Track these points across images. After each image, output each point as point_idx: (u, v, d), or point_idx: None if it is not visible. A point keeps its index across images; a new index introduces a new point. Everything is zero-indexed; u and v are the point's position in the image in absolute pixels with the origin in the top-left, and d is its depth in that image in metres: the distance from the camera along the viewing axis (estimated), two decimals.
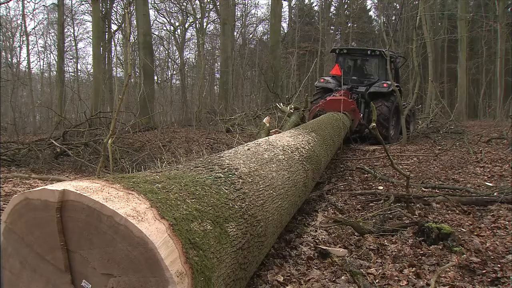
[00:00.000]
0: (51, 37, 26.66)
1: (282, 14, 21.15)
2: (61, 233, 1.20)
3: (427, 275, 2.36)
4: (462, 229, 3.17)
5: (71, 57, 26.38)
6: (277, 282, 2.26)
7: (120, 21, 24.61)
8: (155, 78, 22.37)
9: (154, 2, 24.82)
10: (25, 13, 24.57)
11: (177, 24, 28.11)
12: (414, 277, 2.35)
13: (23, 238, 1.28)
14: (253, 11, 44.34)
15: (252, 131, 9.54)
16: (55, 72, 22.23)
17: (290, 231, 3.09)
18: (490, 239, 2.94)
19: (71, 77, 26.80)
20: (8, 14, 24.78)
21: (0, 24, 21.37)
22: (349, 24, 29.64)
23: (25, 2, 26.69)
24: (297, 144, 3.40)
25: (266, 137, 3.48)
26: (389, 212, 3.51)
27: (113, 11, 24.26)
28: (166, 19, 28.09)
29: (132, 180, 1.41)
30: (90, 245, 1.18)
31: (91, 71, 20.05)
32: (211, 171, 1.94)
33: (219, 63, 22.72)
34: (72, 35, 25.49)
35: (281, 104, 9.32)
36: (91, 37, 19.26)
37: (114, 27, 25.13)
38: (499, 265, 2.45)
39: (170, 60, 29.73)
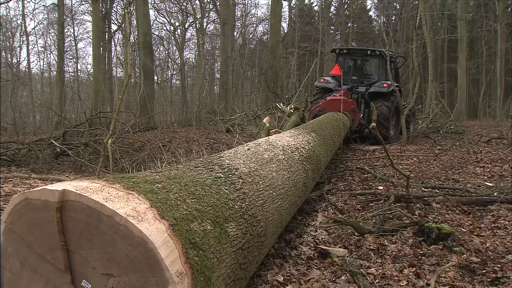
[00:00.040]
0: (51, 37, 26.71)
1: (282, 14, 21.18)
2: (61, 233, 1.20)
3: (427, 275, 2.36)
4: (462, 229, 3.17)
5: (71, 57, 26.42)
6: (277, 282, 2.26)
7: (120, 21, 24.63)
8: (155, 78, 22.38)
9: (154, 2, 24.86)
10: (25, 13, 24.61)
11: (177, 24, 28.15)
12: (414, 277, 2.35)
13: (23, 238, 1.28)
14: (253, 11, 44.42)
15: (252, 131, 9.54)
16: (55, 72, 22.24)
17: (290, 231, 3.09)
18: (490, 239, 2.94)
19: (71, 77, 26.84)
20: (8, 14, 24.82)
21: (0, 24, 21.38)
22: (349, 24, 29.65)
23: (25, 2, 26.73)
24: (297, 144, 3.40)
25: (266, 137, 3.48)
26: (389, 212, 3.51)
27: (113, 11, 24.30)
28: (166, 19, 28.14)
29: (132, 180, 1.41)
30: (90, 245, 1.18)
31: (91, 71, 20.08)
32: (211, 171, 1.94)
33: (219, 63, 22.74)
34: (72, 35, 25.54)
35: (281, 104, 9.33)
36: (91, 37, 19.28)
37: (114, 27, 25.18)
38: (499, 265, 2.45)
39: (170, 60, 29.77)
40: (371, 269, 2.46)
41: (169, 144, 8.26)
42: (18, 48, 23.64)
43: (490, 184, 4.72)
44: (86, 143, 7.50)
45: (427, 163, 6.23)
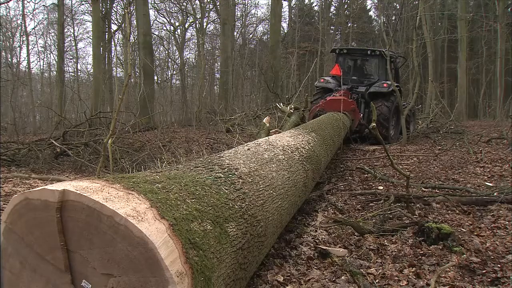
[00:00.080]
0: (51, 37, 26.71)
1: (282, 14, 21.18)
2: (61, 233, 1.20)
3: (427, 275, 2.36)
4: (462, 229, 3.17)
5: (71, 57, 26.43)
6: (277, 282, 2.26)
7: (120, 21, 24.63)
8: (155, 78, 22.38)
9: (154, 2, 24.86)
10: (25, 13, 24.62)
11: (177, 24, 28.15)
12: (414, 277, 2.35)
13: (23, 238, 1.28)
14: (253, 11, 44.41)
15: (252, 131, 9.54)
16: (55, 72, 22.24)
17: (290, 231, 3.09)
18: (490, 239, 2.94)
19: (71, 77, 26.84)
20: (8, 14, 24.82)
21: (0, 24, 21.38)
22: (349, 24, 29.65)
23: (25, 2, 26.73)
24: (297, 144, 3.40)
25: (266, 137, 3.48)
26: (389, 212, 3.51)
27: (113, 11, 24.30)
28: (166, 19, 28.14)
29: (132, 180, 1.41)
30: (90, 245, 1.18)
31: (91, 71, 20.08)
32: (211, 171, 1.94)
33: (219, 63, 22.74)
34: (72, 35, 25.54)
35: (281, 104, 9.32)
36: (91, 37, 19.27)
37: (114, 27, 25.18)
38: (499, 265, 2.45)
39: (170, 60, 29.77)
40: (371, 269, 2.45)
41: (169, 144, 8.26)
42: (18, 48, 23.69)
43: (490, 184, 4.72)
44: (86, 143, 7.50)
45: (427, 163, 6.23)
